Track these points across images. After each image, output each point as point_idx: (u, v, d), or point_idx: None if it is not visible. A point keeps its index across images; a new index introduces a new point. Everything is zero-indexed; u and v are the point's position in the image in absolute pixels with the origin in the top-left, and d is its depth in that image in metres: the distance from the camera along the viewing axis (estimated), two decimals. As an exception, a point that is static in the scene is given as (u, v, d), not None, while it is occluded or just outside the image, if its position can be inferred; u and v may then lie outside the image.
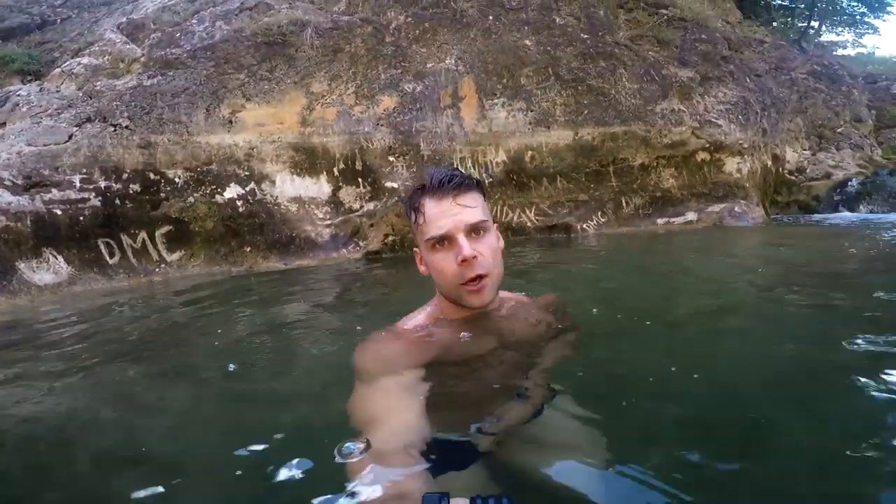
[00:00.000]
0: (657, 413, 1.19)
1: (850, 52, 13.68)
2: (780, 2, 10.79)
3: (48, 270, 3.53)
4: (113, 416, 1.53)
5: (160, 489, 1.02)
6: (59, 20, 6.96)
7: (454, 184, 0.94)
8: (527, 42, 5.75)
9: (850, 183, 6.99)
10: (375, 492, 0.68)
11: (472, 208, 0.95)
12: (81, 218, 3.84)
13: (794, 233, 5.08)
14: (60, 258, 3.65)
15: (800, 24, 10.51)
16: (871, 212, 6.32)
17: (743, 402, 1.26)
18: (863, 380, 1.26)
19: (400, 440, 0.77)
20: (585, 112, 5.75)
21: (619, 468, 0.92)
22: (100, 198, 3.99)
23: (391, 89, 5.27)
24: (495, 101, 5.57)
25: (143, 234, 4.09)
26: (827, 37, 12.59)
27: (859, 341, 1.54)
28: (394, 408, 0.84)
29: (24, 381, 1.86)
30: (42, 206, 3.70)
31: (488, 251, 0.95)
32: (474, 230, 0.94)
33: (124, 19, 5.98)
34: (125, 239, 4.02)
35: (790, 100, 7.92)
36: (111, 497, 1.08)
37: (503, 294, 1.15)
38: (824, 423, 1.15)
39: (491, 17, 5.74)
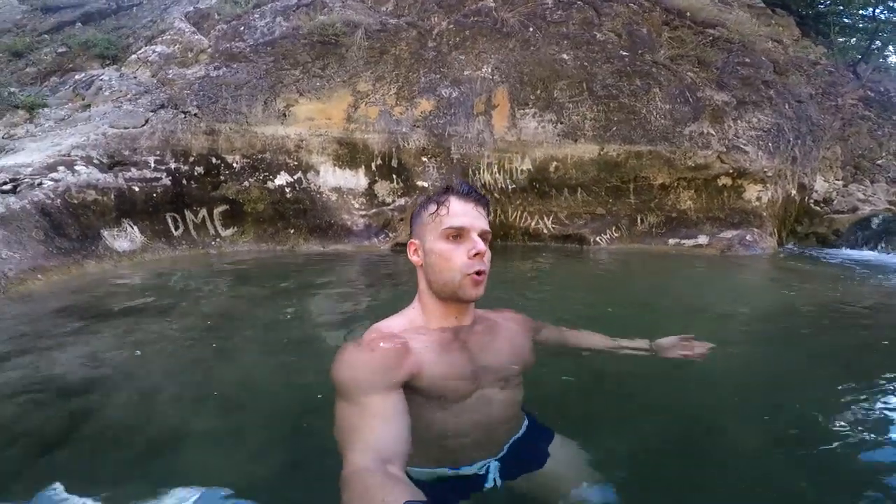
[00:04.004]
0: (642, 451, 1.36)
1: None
2: (845, 20, 10.27)
3: (126, 238, 4.21)
4: (185, 366, 2.00)
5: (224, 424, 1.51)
6: (132, 6, 7.49)
7: (477, 195, 1.11)
8: (564, 56, 5.96)
9: (874, 220, 6.95)
10: None
11: (485, 219, 1.11)
12: (154, 195, 4.50)
13: (796, 269, 5.27)
14: (136, 228, 4.33)
15: (863, 44, 10.05)
16: (887, 252, 6.35)
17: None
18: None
19: (377, 456, 0.79)
20: (613, 129, 5.98)
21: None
22: (170, 177, 4.63)
23: (429, 93, 5.65)
24: (527, 111, 5.87)
25: (203, 212, 4.74)
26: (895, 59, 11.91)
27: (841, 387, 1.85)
28: (370, 424, 0.87)
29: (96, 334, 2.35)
30: (123, 182, 4.36)
31: (489, 257, 1.09)
32: (484, 236, 1.08)
33: (191, 8, 6.46)
34: (188, 214, 4.68)
35: (831, 127, 7.82)
36: (187, 431, 1.46)
37: (477, 310, 1.23)
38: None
39: (531, 29, 5.97)
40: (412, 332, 1.09)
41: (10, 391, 1.72)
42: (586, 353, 1.53)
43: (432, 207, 1.08)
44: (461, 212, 1.06)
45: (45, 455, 1.35)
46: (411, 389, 0.99)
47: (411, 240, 1.13)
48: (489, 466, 1.10)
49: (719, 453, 1.41)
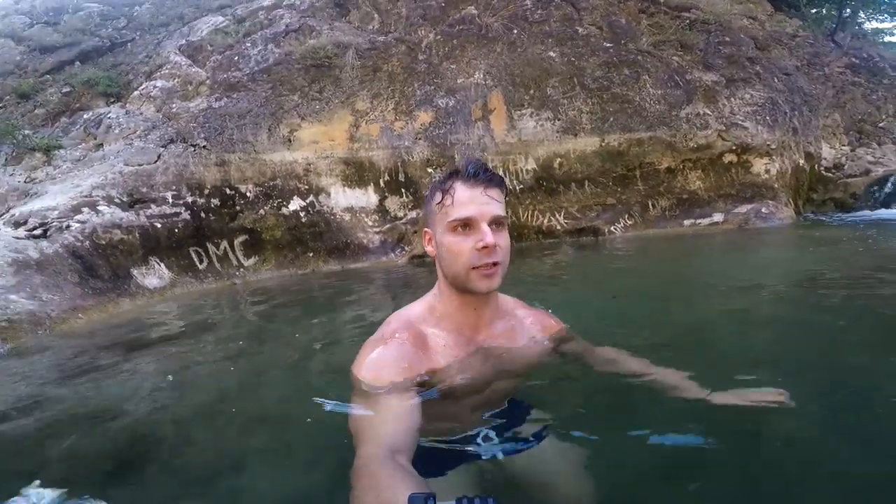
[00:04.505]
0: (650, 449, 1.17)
1: (896, 39, 13.04)
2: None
3: (154, 276, 4.28)
4: (227, 392, 1.95)
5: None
6: (126, 42, 7.55)
7: (487, 176, 1.00)
8: (551, 53, 6.12)
9: (890, 179, 6.96)
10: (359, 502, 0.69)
11: (497, 202, 1.00)
12: (176, 230, 4.59)
13: (816, 235, 5.23)
14: (163, 265, 4.40)
15: (833, 13, 10.29)
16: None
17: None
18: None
19: (387, 449, 0.78)
20: (611, 119, 6.08)
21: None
22: (189, 212, 4.73)
23: (427, 105, 5.79)
24: (523, 111, 6.00)
25: (224, 243, 4.82)
26: (871, 24, 12.16)
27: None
28: (384, 420, 0.88)
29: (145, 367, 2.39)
30: (145, 220, 4.46)
31: (504, 244, 1.01)
32: (496, 222, 1.00)
33: (184, 41, 6.56)
34: (210, 247, 4.76)
35: (825, 96, 7.92)
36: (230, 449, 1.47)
37: (505, 298, 1.21)
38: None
39: (515, 31, 6.15)
40: (431, 322, 1.08)
41: (62, 420, 1.77)
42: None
43: (437, 196, 1.03)
44: (467, 199, 0.98)
45: (95, 481, 1.35)
46: (420, 385, 0.99)
47: (425, 228, 1.09)
48: (483, 435, 1.09)
49: (750, 438, 1.21)
